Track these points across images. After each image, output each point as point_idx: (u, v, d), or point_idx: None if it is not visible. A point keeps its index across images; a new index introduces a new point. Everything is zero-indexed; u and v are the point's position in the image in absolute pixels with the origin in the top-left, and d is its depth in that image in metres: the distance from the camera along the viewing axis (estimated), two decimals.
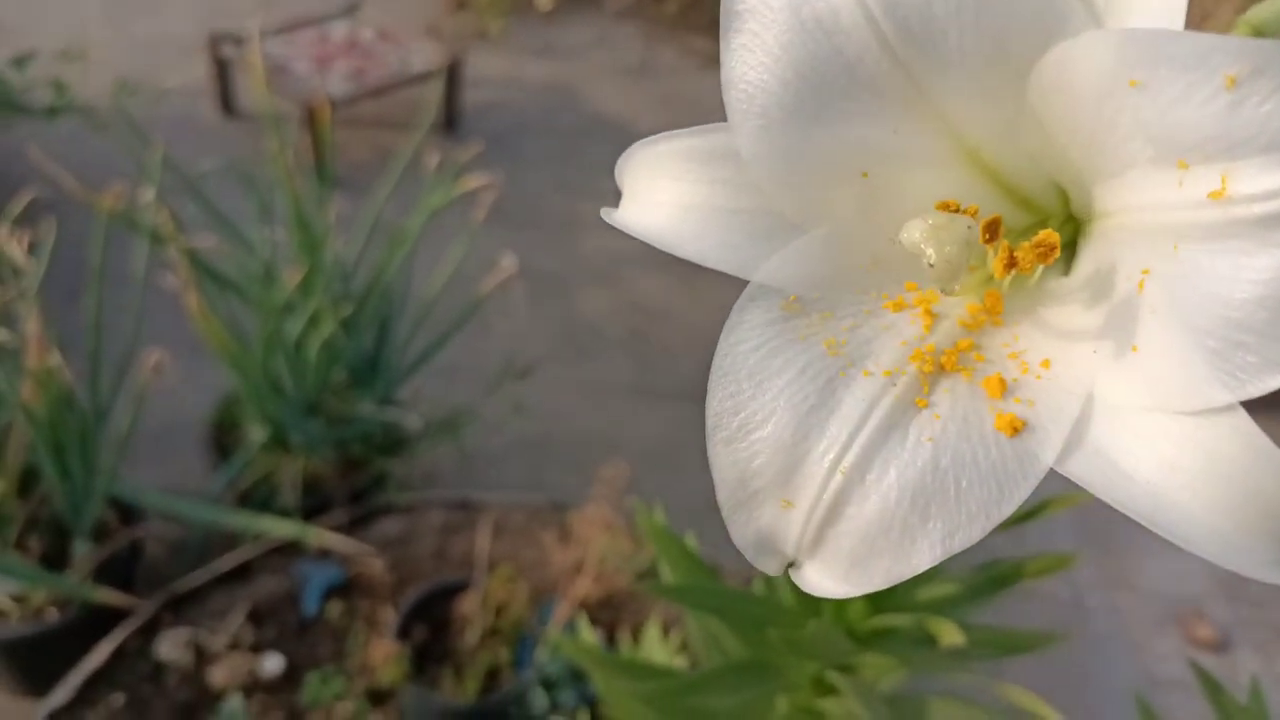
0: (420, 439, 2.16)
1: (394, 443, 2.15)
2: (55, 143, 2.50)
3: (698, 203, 0.39)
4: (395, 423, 2.06)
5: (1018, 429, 0.33)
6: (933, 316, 0.37)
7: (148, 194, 1.82)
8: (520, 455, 2.47)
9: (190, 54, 3.63)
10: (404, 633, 1.70)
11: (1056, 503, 0.60)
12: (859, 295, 0.37)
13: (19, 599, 1.76)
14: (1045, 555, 0.66)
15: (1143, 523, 0.30)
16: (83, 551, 1.80)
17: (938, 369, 0.36)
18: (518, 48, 4.25)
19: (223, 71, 3.48)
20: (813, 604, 0.75)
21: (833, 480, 0.34)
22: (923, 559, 0.33)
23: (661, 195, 0.40)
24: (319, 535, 1.77)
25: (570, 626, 1.65)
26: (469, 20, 4.34)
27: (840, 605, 0.73)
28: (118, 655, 1.69)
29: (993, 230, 0.34)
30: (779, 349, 0.36)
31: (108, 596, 1.69)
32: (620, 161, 0.40)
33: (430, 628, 1.73)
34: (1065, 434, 0.33)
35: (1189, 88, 0.27)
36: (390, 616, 1.77)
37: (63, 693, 1.61)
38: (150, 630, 1.73)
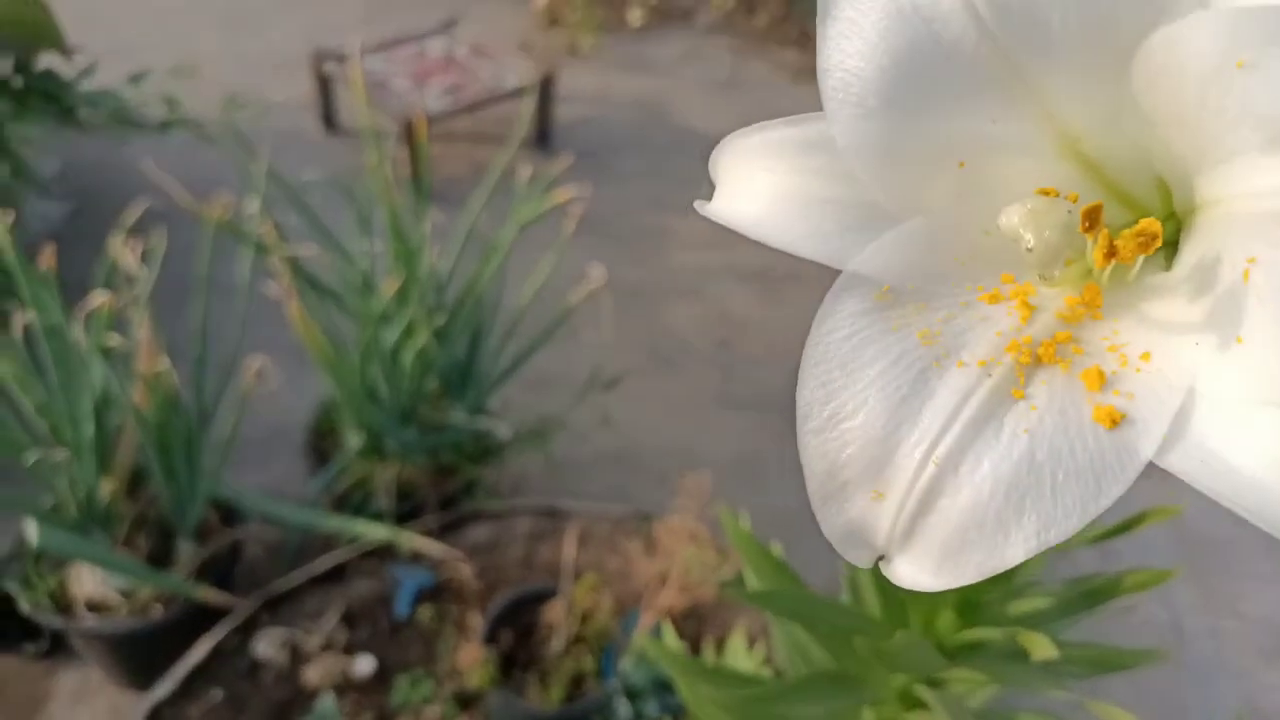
0: (509, 447, 2.19)
1: (484, 450, 2.18)
2: (167, 155, 2.61)
3: (791, 192, 0.39)
4: (486, 431, 2.09)
5: (1116, 421, 0.32)
6: (1030, 309, 0.36)
7: (253, 205, 1.89)
8: (606, 465, 2.48)
9: (295, 70, 3.75)
10: (491, 638, 1.72)
11: (1153, 514, 0.58)
12: (954, 287, 0.37)
13: (127, 594, 1.83)
14: (1141, 570, 0.64)
15: (1249, 518, 0.29)
16: (186, 551, 1.86)
17: (1034, 361, 0.35)
18: (609, 63, 4.30)
19: (325, 87, 3.59)
20: (900, 615, 0.74)
21: (925, 471, 0.34)
22: (1016, 552, 0.32)
23: (755, 186, 0.39)
24: (411, 539, 1.81)
25: (656, 634, 1.65)
26: (561, 36, 4.40)
27: (929, 617, 0.71)
28: (217, 652, 1.75)
29: (1093, 218, 0.33)
30: (872, 338, 0.35)
31: (209, 595, 1.75)
32: (714, 153, 0.41)
33: (517, 634, 1.75)
34: (1166, 427, 0.32)
35: None
36: (478, 621, 1.79)
37: (166, 686, 1.67)
38: (248, 628, 1.79)
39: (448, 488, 2.11)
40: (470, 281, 2.02)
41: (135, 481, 1.88)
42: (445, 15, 3.85)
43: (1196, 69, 0.30)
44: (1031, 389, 0.34)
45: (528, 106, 2.44)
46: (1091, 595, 0.67)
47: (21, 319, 1.64)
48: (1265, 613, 2.25)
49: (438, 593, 1.88)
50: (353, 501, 2.07)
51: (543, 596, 1.77)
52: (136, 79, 2.70)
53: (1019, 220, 0.32)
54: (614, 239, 3.16)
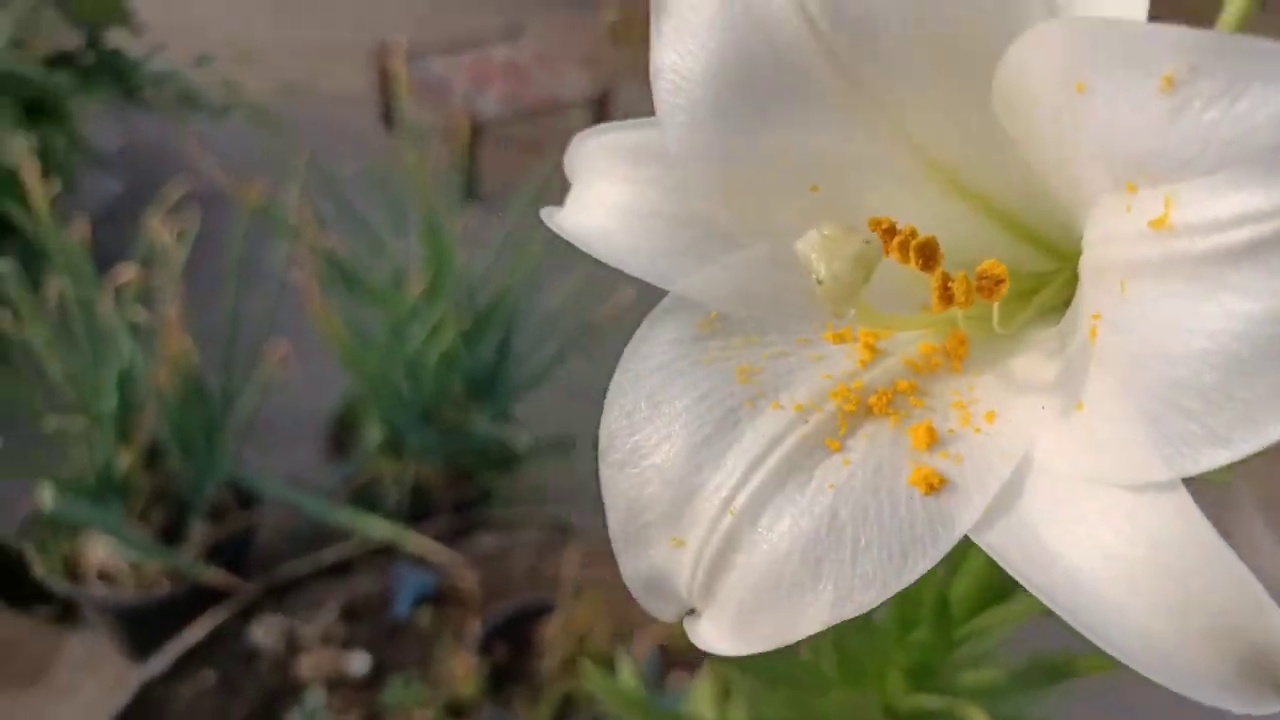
0: (531, 457, 2.16)
1: (504, 458, 2.16)
2: (225, 139, 2.65)
3: (623, 203, 0.35)
4: (507, 439, 2.07)
5: (934, 486, 0.28)
6: (874, 353, 0.32)
7: (292, 193, 1.90)
8: None
9: (358, 63, 3.78)
10: (487, 648, 1.70)
11: None
12: (798, 321, 0.33)
13: (136, 567, 1.84)
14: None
15: (1066, 618, 0.24)
16: (199, 529, 1.87)
17: (863, 410, 0.31)
18: None
19: (386, 83, 3.61)
20: (853, 674, 0.70)
21: (723, 521, 0.30)
22: (809, 623, 0.28)
23: (597, 194, 0.36)
24: (419, 541, 1.79)
25: (652, 663, 1.61)
26: (626, 54, 4.40)
27: (880, 679, 0.68)
28: (216, 634, 1.75)
29: (927, 255, 0.29)
30: (685, 370, 0.32)
31: (215, 576, 1.75)
32: (567, 154, 0.37)
33: (513, 646, 1.72)
34: (989, 498, 0.27)
35: (1125, 91, 0.22)
36: (476, 630, 1.77)
37: (160, 663, 1.67)
38: (249, 613, 1.78)
39: (464, 492, 2.10)
40: (504, 286, 2.01)
41: (154, 456, 1.89)
42: (510, 21, 3.86)
43: (1045, 94, 0.25)
44: (852, 440, 0.30)
45: (582, 119, 2.43)
46: (1047, 672, 0.62)
47: (55, 288, 1.67)
48: None
49: (439, 597, 1.86)
50: (368, 496, 2.06)
51: (543, 611, 1.74)
52: (202, 62, 2.75)
53: (810, 249, 0.27)
54: None
